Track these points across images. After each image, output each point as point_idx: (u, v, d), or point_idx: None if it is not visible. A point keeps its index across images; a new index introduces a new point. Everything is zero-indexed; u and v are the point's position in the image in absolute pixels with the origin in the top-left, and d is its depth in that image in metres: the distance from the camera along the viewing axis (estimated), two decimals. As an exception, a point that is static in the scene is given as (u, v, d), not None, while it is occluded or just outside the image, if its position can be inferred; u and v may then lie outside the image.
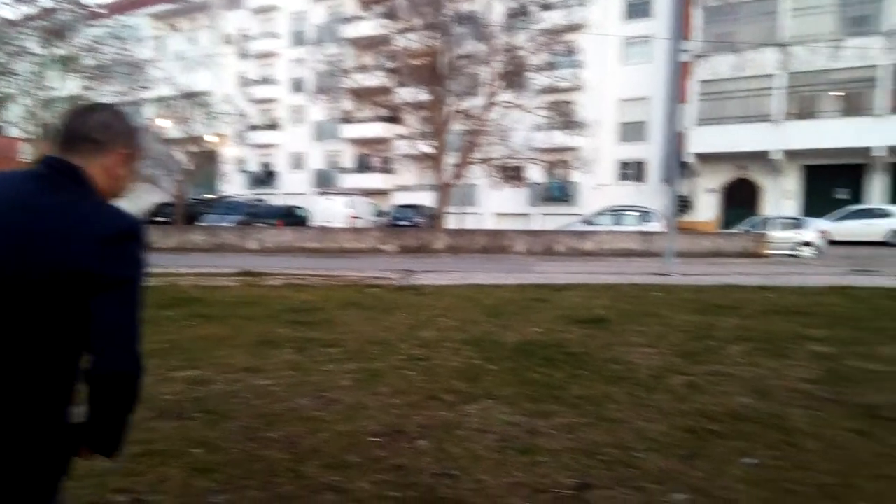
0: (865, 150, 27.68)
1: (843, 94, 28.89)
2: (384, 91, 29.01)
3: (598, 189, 33.95)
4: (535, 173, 32.34)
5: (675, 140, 21.07)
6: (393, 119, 31.46)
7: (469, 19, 22.73)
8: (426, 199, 27.31)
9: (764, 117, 29.71)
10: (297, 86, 43.90)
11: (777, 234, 20.73)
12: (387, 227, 27.35)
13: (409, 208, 30.47)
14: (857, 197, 28.75)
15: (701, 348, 5.96)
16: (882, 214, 24.47)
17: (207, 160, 33.86)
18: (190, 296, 8.95)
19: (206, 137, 29.53)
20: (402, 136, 27.71)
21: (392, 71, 25.89)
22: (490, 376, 4.92)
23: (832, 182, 29.71)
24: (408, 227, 26.15)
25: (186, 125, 28.08)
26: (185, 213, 27.72)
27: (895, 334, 6.66)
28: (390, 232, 23.64)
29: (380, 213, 31.53)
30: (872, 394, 4.53)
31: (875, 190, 28.68)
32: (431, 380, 4.82)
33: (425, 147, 23.96)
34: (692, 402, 4.29)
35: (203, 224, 26.39)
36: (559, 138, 29.40)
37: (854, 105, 28.50)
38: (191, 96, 29.05)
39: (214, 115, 29.50)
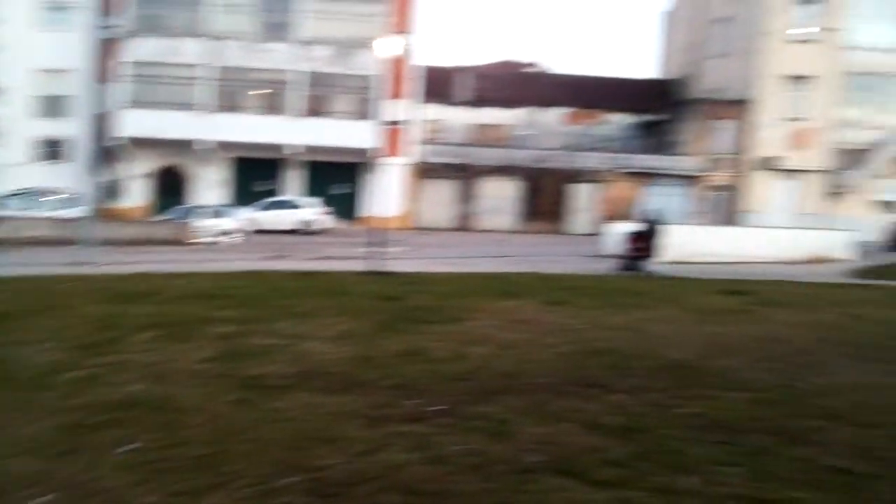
0: (280, 147, 30.85)
1: (268, 92, 31.56)
2: None
3: (9, 168, 29.78)
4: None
5: (99, 121, 19.98)
6: None
7: None
8: None
9: (192, 106, 30.40)
10: None
11: (201, 223, 21.52)
12: None
13: None
14: (279, 189, 31.88)
15: (106, 338, 5.78)
16: (293, 206, 27.89)
17: None
18: None
19: None
20: None
21: None
22: None
23: (257, 174, 32.30)
24: None
25: None
26: None
27: (291, 311, 7.56)
28: None
29: None
30: (260, 366, 5.05)
31: (293, 183, 32.22)
32: None
33: None
34: (83, 397, 4.11)
35: None
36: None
37: (273, 105, 31.41)
38: None
39: None
